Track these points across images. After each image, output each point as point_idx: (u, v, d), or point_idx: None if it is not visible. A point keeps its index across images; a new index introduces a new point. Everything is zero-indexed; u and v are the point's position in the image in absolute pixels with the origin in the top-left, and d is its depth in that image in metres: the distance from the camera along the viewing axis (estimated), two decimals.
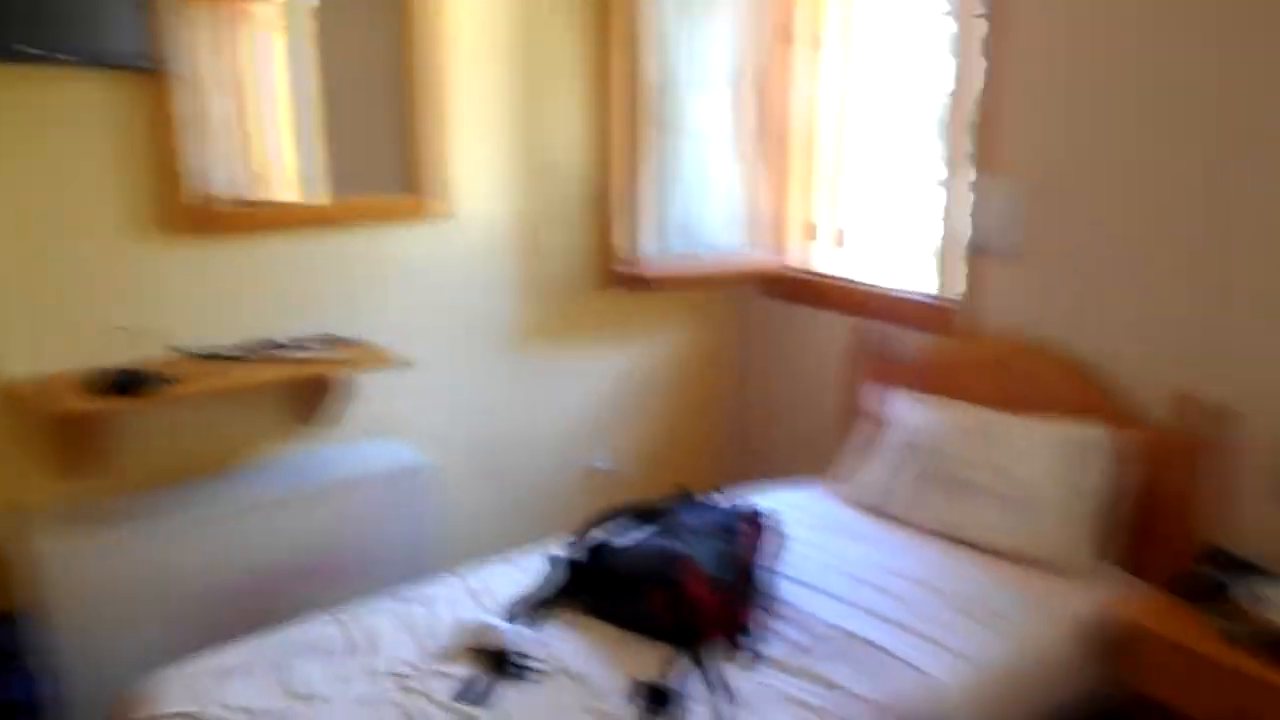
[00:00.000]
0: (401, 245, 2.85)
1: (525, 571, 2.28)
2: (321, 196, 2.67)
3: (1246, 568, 2.14)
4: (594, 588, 2.12)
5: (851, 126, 3.34)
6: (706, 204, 3.27)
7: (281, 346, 2.61)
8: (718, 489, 2.48)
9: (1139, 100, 2.37)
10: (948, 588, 2.24)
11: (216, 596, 2.40)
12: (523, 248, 3.09)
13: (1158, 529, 2.35)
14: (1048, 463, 2.41)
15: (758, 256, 3.41)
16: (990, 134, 2.70)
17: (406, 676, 1.86)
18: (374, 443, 2.87)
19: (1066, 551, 2.34)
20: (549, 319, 3.22)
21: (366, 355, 2.66)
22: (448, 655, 1.93)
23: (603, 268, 3.15)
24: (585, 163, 3.14)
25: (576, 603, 2.12)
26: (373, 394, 2.84)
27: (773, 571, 2.23)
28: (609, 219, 3.07)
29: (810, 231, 3.46)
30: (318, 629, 2.04)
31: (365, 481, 2.66)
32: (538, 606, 2.11)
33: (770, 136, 3.33)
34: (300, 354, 2.59)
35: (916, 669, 1.92)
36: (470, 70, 2.85)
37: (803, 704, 1.79)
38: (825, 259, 3.45)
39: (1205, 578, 2.12)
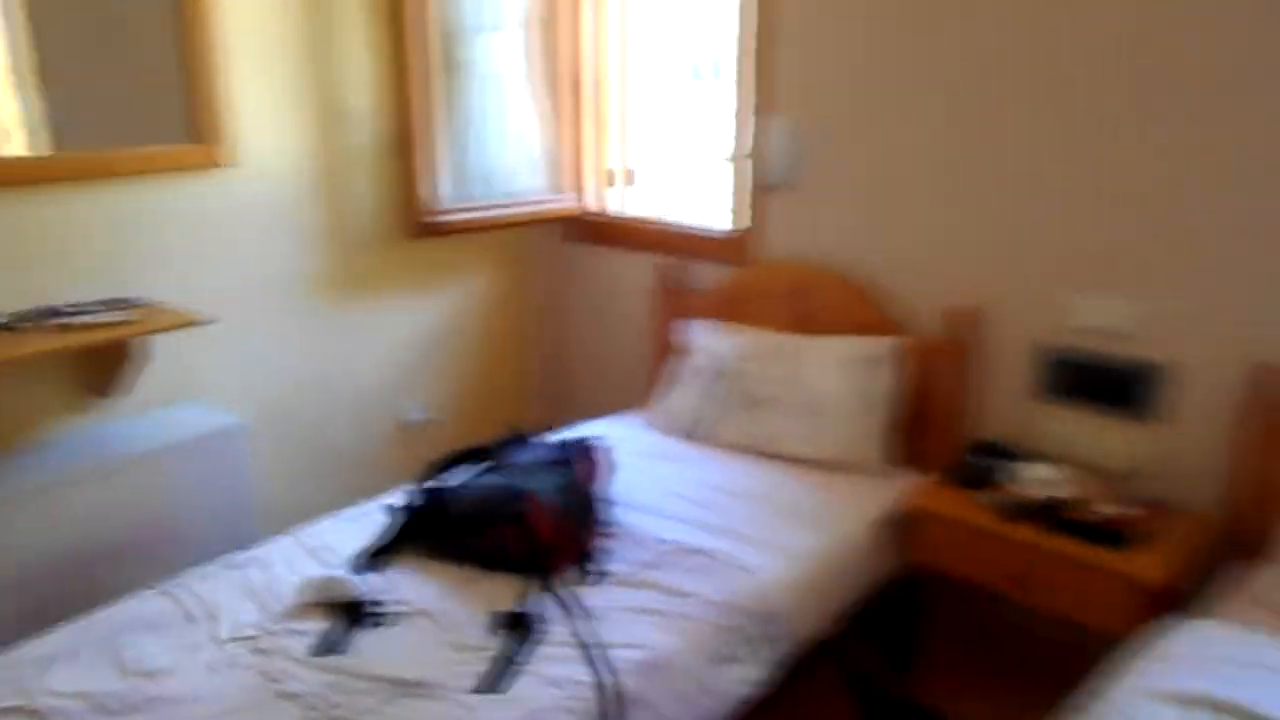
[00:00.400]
0: (187, 197, 2.67)
1: (362, 525, 2.26)
2: (69, 147, 2.41)
3: (1007, 454, 2.49)
4: (437, 531, 2.14)
5: (640, 68, 3.45)
6: (504, 149, 3.28)
7: (60, 313, 2.39)
8: (548, 428, 2.55)
9: (903, 38, 2.62)
10: (758, 494, 2.45)
11: (24, 583, 2.21)
12: (320, 196, 2.98)
13: (934, 427, 2.67)
14: (839, 376, 2.67)
15: (557, 200, 3.47)
16: (766, 73, 2.90)
17: (256, 639, 1.82)
18: (177, 408, 2.71)
19: (861, 453, 2.62)
20: (353, 270, 3.14)
21: (157, 316, 2.49)
22: (296, 613, 1.90)
23: (406, 216, 3.09)
24: (380, 108, 3.06)
25: (421, 548, 2.14)
26: (171, 357, 2.67)
27: (608, 498, 2.35)
28: (410, 166, 3.02)
29: (609, 175, 3.57)
30: (146, 604, 1.94)
31: (171, 449, 2.51)
32: (382, 555, 2.12)
33: (563, 80, 3.37)
34: (81, 320, 2.39)
35: (744, 568, 2.10)
36: (248, 7, 2.69)
37: (651, 611, 1.93)
38: (625, 200, 3.57)
39: (975, 465, 2.45)
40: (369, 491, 2.47)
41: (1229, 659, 1.70)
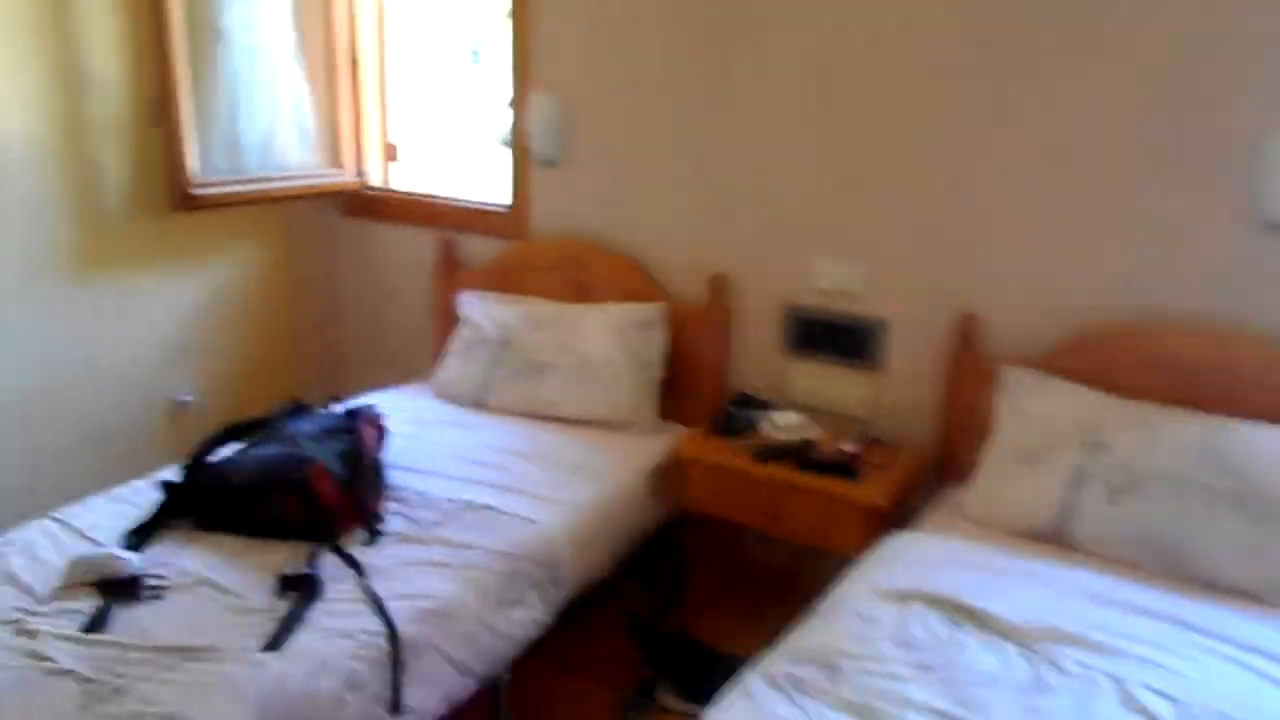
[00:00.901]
0: None
1: (133, 503, 2.21)
2: None
3: (762, 404, 2.77)
4: (216, 504, 2.13)
5: (414, 46, 3.47)
6: (277, 122, 3.22)
7: None
8: (334, 399, 2.56)
9: (654, 19, 2.82)
10: (540, 454, 2.59)
11: None
12: (60, 166, 2.81)
13: (699, 384, 2.91)
14: (611, 341, 2.85)
15: (334, 175, 3.44)
16: (526, 52, 3.04)
17: (21, 621, 1.75)
18: None
19: (633, 411, 2.82)
20: (110, 244, 2.98)
21: None
22: (65, 594, 1.84)
23: (169, 189, 2.97)
24: (131, 73, 2.91)
25: (200, 521, 2.12)
26: None
27: (391, 464, 2.41)
28: (171, 137, 2.90)
29: (391, 151, 3.57)
30: None
31: None
32: (156, 530, 2.08)
33: (337, 55, 3.34)
34: None
35: (526, 519, 2.24)
36: None
37: (437, 564, 2.03)
38: (403, 177, 3.59)
39: (734, 416, 2.71)
40: (141, 475, 2.39)
41: (933, 560, 2.03)
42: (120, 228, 3.00)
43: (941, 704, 1.58)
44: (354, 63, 3.41)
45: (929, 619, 1.82)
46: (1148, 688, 1.62)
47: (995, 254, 2.47)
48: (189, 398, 3.30)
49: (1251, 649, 1.73)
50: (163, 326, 3.20)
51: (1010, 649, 1.74)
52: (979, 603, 1.84)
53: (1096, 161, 2.30)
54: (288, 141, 3.28)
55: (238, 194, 3.11)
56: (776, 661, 1.70)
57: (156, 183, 3.01)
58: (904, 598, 1.88)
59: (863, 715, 1.55)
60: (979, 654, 1.72)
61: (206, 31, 2.97)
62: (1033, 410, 2.30)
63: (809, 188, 2.69)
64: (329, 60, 3.34)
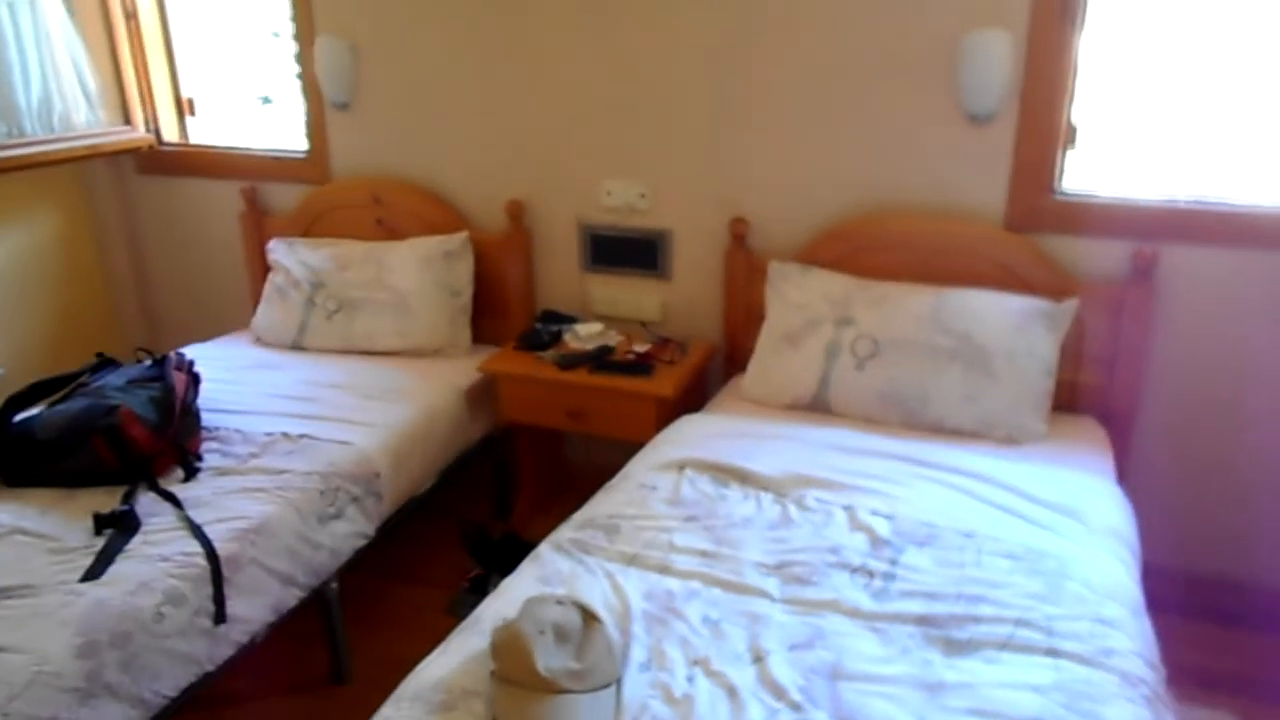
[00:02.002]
0: None
1: None
2: None
3: (566, 319, 2.98)
4: (23, 460, 2.17)
5: None
6: (55, 81, 3.14)
7: None
8: (147, 354, 2.60)
9: None
10: (355, 385, 2.72)
11: None
12: None
13: (507, 306, 3.09)
14: (421, 273, 2.99)
15: (123, 133, 3.38)
16: None
17: None
18: None
19: (447, 338, 2.98)
20: None
21: None
22: None
23: None
24: None
25: (10, 479, 2.17)
26: None
27: (210, 407, 2.49)
28: None
29: (188, 105, 3.54)
30: None
31: None
32: None
33: (111, 8, 3.27)
34: None
35: (343, 443, 2.38)
36: None
37: (256, 490, 2.15)
38: (199, 130, 3.56)
39: (541, 331, 2.90)
40: None
41: (708, 434, 2.30)
42: None
43: (703, 545, 1.85)
44: (132, 17, 3.35)
45: (698, 481, 2.09)
46: (872, 512, 1.94)
47: (759, 162, 2.73)
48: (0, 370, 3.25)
49: (956, 471, 2.07)
50: None
51: (765, 497, 2.03)
52: (742, 463, 2.12)
53: (834, 72, 2.57)
54: (70, 101, 3.21)
55: (18, 158, 3.04)
56: (564, 530, 1.93)
57: None
58: (679, 466, 2.14)
59: (634, 562, 1.80)
60: (738, 504, 2.00)
61: None
62: (793, 297, 2.59)
63: (593, 113, 2.87)
64: (105, 14, 3.27)
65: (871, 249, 2.60)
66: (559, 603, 1.53)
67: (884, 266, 2.58)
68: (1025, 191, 2.47)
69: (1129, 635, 1.56)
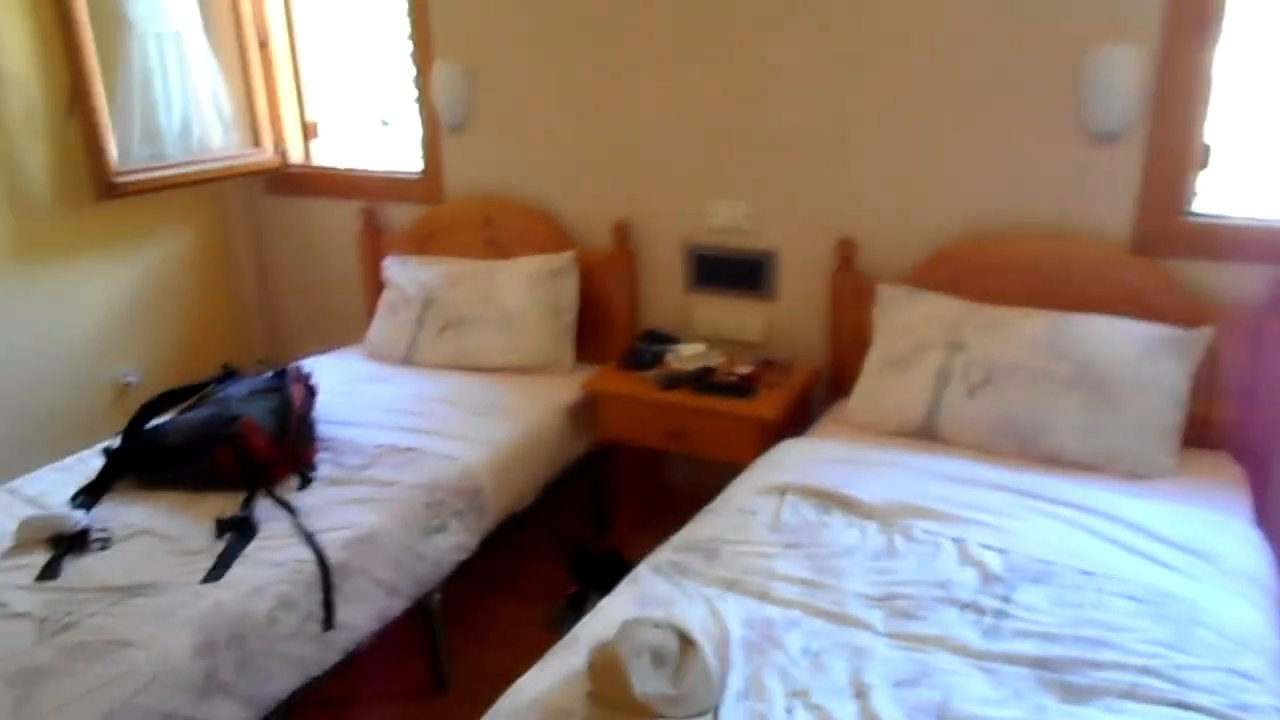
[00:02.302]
0: None
1: (78, 471, 2.37)
2: None
3: (668, 339, 2.98)
4: (155, 464, 2.30)
5: (323, 23, 3.59)
6: (195, 107, 3.33)
7: None
8: (266, 363, 2.73)
9: None
10: (462, 400, 2.78)
11: None
12: None
13: (610, 325, 3.11)
14: (528, 292, 3.04)
15: (255, 155, 3.56)
16: (428, 22, 3.17)
17: None
18: None
19: (551, 355, 3.02)
20: (41, 238, 3.11)
21: None
22: (18, 551, 2.01)
23: (92, 179, 3.09)
24: (45, 71, 3.02)
25: (140, 481, 2.29)
26: None
27: (323, 419, 2.59)
28: (89, 128, 3.01)
29: (311, 128, 3.71)
30: None
31: None
32: (100, 492, 2.25)
33: (248, 37, 3.45)
34: None
35: (448, 457, 2.43)
36: None
37: (366, 500, 2.22)
38: (321, 152, 3.72)
39: (643, 350, 2.91)
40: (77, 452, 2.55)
41: (810, 459, 2.26)
42: (48, 220, 3.12)
43: (804, 574, 1.81)
44: (264, 45, 3.53)
45: (800, 507, 2.05)
46: (983, 545, 1.86)
47: (867, 183, 2.68)
48: (133, 378, 3.45)
49: (1074, 506, 1.97)
50: (101, 311, 3.34)
51: (870, 526, 1.97)
52: (845, 489, 2.07)
53: (946, 91, 2.51)
54: (206, 125, 3.41)
55: (159, 179, 3.24)
56: (663, 552, 1.92)
57: (79, 174, 3.13)
58: (780, 490, 2.11)
59: (733, 587, 1.78)
60: (841, 532, 1.95)
61: (115, 22, 3.08)
62: (902, 320, 2.52)
63: (698, 133, 2.87)
64: (239, 43, 3.46)
65: (985, 272, 2.52)
66: (656, 626, 1.52)
67: (998, 290, 2.49)
68: (1154, 213, 2.35)
69: (1269, 691, 1.45)
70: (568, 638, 1.66)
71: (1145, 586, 1.70)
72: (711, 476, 3.10)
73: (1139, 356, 2.23)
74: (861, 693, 1.48)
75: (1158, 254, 2.36)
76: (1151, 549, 1.82)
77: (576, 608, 2.68)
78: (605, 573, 2.76)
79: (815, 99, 2.67)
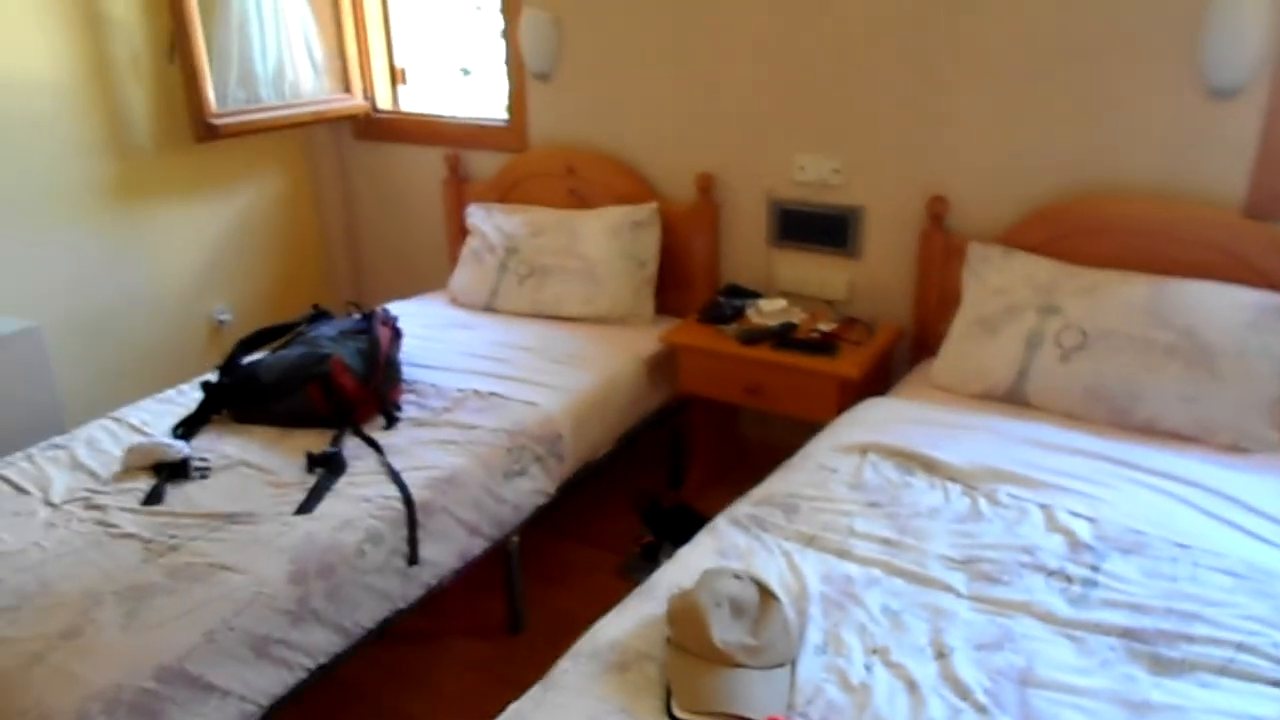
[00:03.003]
0: None
1: (180, 404, 2.47)
2: None
3: (749, 293, 2.95)
4: (250, 399, 2.38)
5: None
6: (287, 51, 3.39)
7: None
8: (354, 305, 2.79)
9: None
10: (543, 348, 2.80)
11: None
12: (86, 106, 3.03)
13: (691, 277, 3.09)
14: (610, 242, 3.03)
15: (344, 100, 3.61)
16: None
17: (89, 498, 2.03)
18: None
19: (632, 307, 3.02)
20: (141, 176, 3.21)
21: None
22: (125, 476, 2.12)
23: (191, 122, 3.17)
24: (148, 17, 3.10)
25: (237, 414, 2.38)
26: None
27: (408, 362, 2.64)
28: (191, 70, 3.08)
29: (400, 74, 3.74)
30: None
31: None
32: (199, 423, 2.35)
33: None
34: None
35: (529, 403, 2.46)
36: None
37: (448, 443, 2.26)
38: (407, 98, 3.76)
39: (723, 305, 2.89)
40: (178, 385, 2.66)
41: (894, 419, 2.22)
42: (150, 160, 3.22)
43: (885, 533, 1.79)
44: None
45: (882, 466, 2.02)
46: (1071, 512, 1.82)
47: (961, 138, 2.59)
48: (227, 316, 3.57)
49: (1169, 477, 1.91)
50: (197, 251, 3.45)
51: (953, 488, 1.94)
52: (929, 451, 2.04)
53: (1050, 40, 2.40)
54: (299, 70, 3.46)
55: (254, 122, 3.31)
56: (742, 505, 1.92)
57: (179, 117, 3.22)
58: (862, 449, 2.09)
59: (811, 543, 1.77)
60: (924, 493, 1.92)
61: None
62: (994, 281, 2.45)
63: (787, 85, 2.81)
64: None
65: (1083, 233, 2.43)
66: (736, 577, 1.53)
67: (1096, 252, 2.40)
68: (1272, 175, 2.23)
69: None
70: (645, 585, 1.68)
71: (1244, 562, 1.64)
72: (786, 433, 3.11)
73: (1246, 325, 2.13)
74: (942, 653, 1.46)
75: (1274, 217, 2.24)
76: (1252, 524, 1.76)
77: (650, 557, 2.71)
78: (677, 525, 2.79)
79: (911, 50, 2.59)
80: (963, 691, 1.38)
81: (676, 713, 1.34)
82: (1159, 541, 1.71)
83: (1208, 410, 2.12)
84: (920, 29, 2.56)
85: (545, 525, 2.56)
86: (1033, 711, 1.34)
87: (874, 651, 1.48)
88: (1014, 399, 2.34)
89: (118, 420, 2.40)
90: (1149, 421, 2.17)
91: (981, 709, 1.34)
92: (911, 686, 1.39)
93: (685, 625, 1.43)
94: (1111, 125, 2.38)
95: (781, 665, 1.42)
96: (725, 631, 1.41)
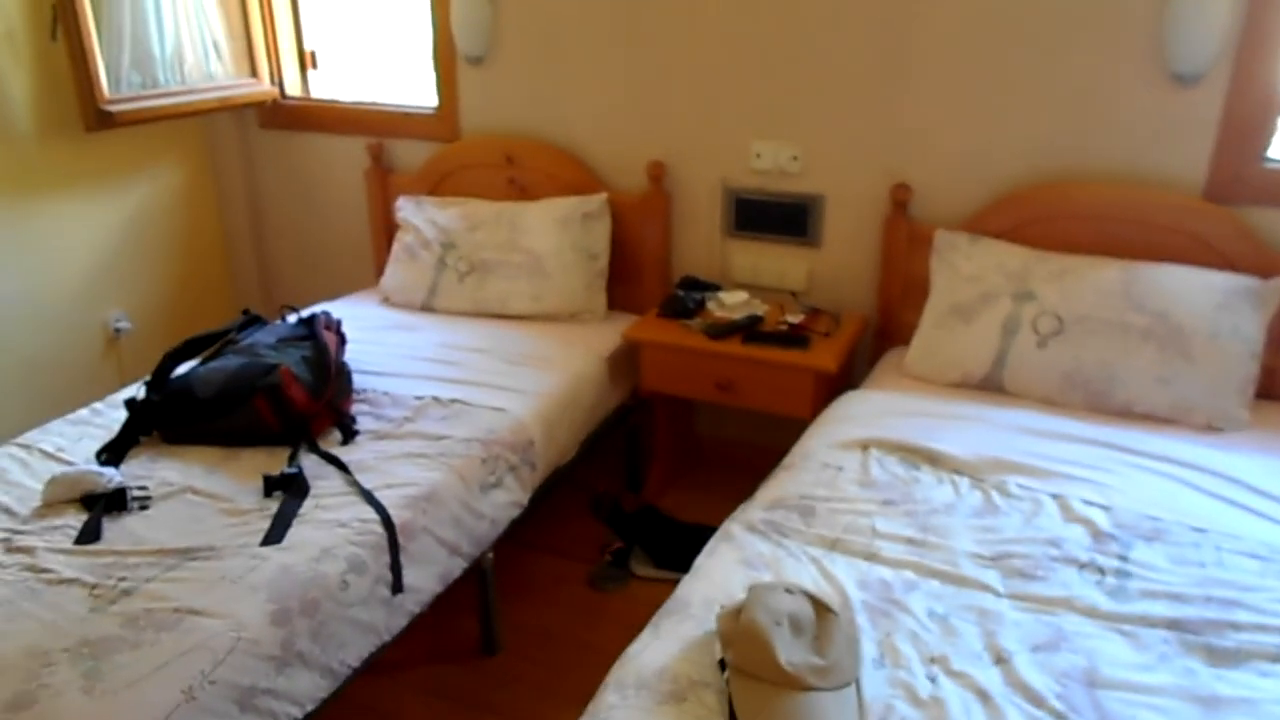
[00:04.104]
0: None
1: (95, 425, 2.20)
2: None
3: (709, 286, 2.86)
4: (186, 417, 2.13)
5: None
6: (186, 33, 3.08)
7: None
8: (289, 308, 2.56)
9: None
10: (497, 349, 2.63)
11: None
12: None
13: (643, 271, 2.98)
14: (559, 235, 2.89)
15: (250, 85, 3.32)
16: None
17: (10, 539, 1.76)
18: None
19: (584, 303, 2.88)
20: (23, 168, 2.86)
21: None
22: (49, 512, 1.85)
23: (82, 107, 2.83)
24: None
25: (172, 435, 2.13)
26: None
27: (352, 369, 2.43)
28: (77, 52, 2.75)
29: (310, 58, 3.47)
30: None
31: None
32: (125, 447, 2.09)
33: None
34: None
35: (497, 409, 2.30)
36: None
37: (418, 456, 2.08)
38: (326, 84, 3.49)
39: (683, 298, 2.79)
40: (86, 403, 2.36)
41: (884, 412, 2.18)
42: (32, 150, 2.87)
43: (908, 532, 1.73)
44: None
45: (886, 461, 1.97)
46: (1084, 501, 1.81)
47: (924, 125, 2.57)
48: (125, 324, 3.24)
49: (1167, 459, 1.93)
50: (88, 251, 3.11)
51: (962, 481, 1.90)
52: (930, 444, 2.00)
53: (1014, 25, 2.40)
54: (199, 53, 3.15)
55: (153, 109, 2.99)
56: (753, 510, 1.83)
57: (66, 102, 2.88)
58: (862, 445, 2.03)
59: (835, 547, 1.70)
60: (935, 488, 1.88)
61: None
62: (965, 269, 2.44)
63: (743, 69, 2.72)
64: None
65: (1049, 219, 2.44)
66: (788, 591, 1.43)
67: (1062, 238, 2.42)
68: (1230, 159, 2.29)
69: None
70: (675, 602, 1.57)
71: (1264, 544, 1.66)
72: (743, 430, 3.04)
73: (1217, 307, 2.18)
74: (1001, 658, 1.41)
75: (1232, 201, 2.30)
76: (1257, 504, 1.79)
77: (621, 564, 2.59)
78: (643, 528, 2.68)
79: (872, 32, 2.54)
80: (1036, 699, 1.33)
81: None
82: (1176, 527, 1.72)
83: (1183, 392, 2.16)
84: (882, 11, 2.51)
85: (509, 537, 2.41)
86: (1109, 714, 1.30)
87: (933, 661, 1.41)
88: (990, 386, 2.33)
89: (26, 447, 2.11)
90: (1126, 404, 2.20)
91: (1059, 716, 1.30)
92: (984, 697, 1.33)
93: (746, 648, 1.33)
94: (1074, 111, 2.40)
95: (847, 685, 1.33)
96: (790, 652, 1.32)
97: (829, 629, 1.38)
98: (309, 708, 1.64)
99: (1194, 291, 2.21)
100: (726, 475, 3.02)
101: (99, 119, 2.85)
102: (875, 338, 2.75)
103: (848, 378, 2.64)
